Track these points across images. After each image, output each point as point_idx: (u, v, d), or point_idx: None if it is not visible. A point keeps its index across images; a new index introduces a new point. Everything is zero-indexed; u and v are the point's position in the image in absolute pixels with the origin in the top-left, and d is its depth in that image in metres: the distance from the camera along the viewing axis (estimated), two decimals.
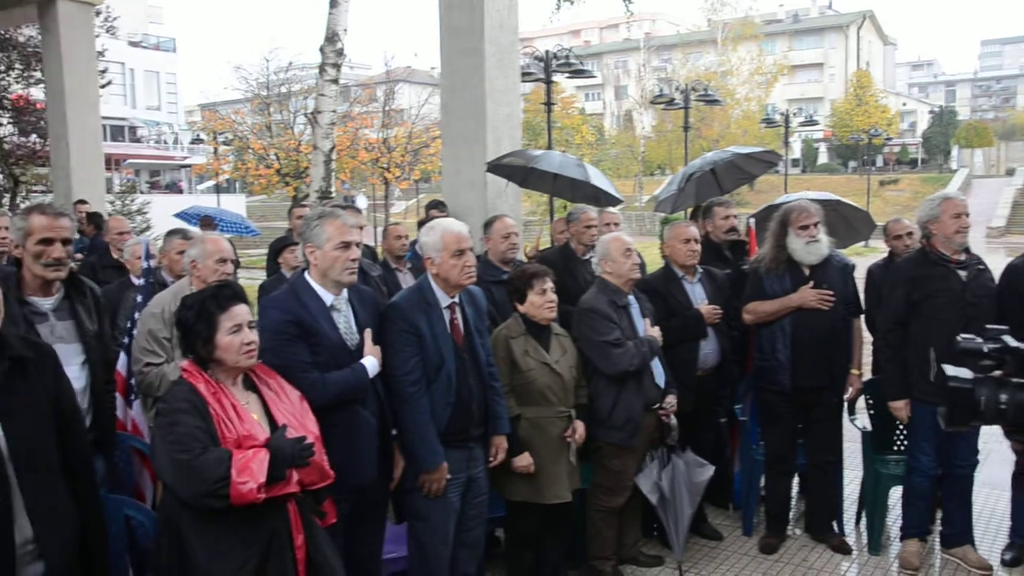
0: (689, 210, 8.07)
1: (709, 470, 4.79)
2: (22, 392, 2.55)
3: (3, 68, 18.53)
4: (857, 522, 5.62)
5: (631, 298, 4.74)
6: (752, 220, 6.12)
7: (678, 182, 6.82)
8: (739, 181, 7.46)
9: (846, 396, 5.25)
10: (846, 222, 6.38)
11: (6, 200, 18.68)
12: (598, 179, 6.44)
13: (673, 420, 4.76)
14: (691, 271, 5.23)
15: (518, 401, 4.26)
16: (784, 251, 5.05)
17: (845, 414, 5.32)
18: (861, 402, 5.51)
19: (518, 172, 6.61)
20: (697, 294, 5.21)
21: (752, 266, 5.32)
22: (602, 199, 6.58)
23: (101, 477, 3.61)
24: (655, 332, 4.71)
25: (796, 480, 5.71)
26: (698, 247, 5.18)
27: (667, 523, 4.74)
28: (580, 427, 4.43)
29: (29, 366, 2.59)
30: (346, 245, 3.44)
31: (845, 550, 5.15)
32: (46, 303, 3.53)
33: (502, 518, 4.58)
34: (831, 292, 4.96)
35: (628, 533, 4.97)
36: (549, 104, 13.21)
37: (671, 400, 4.77)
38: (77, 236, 4.90)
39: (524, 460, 4.19)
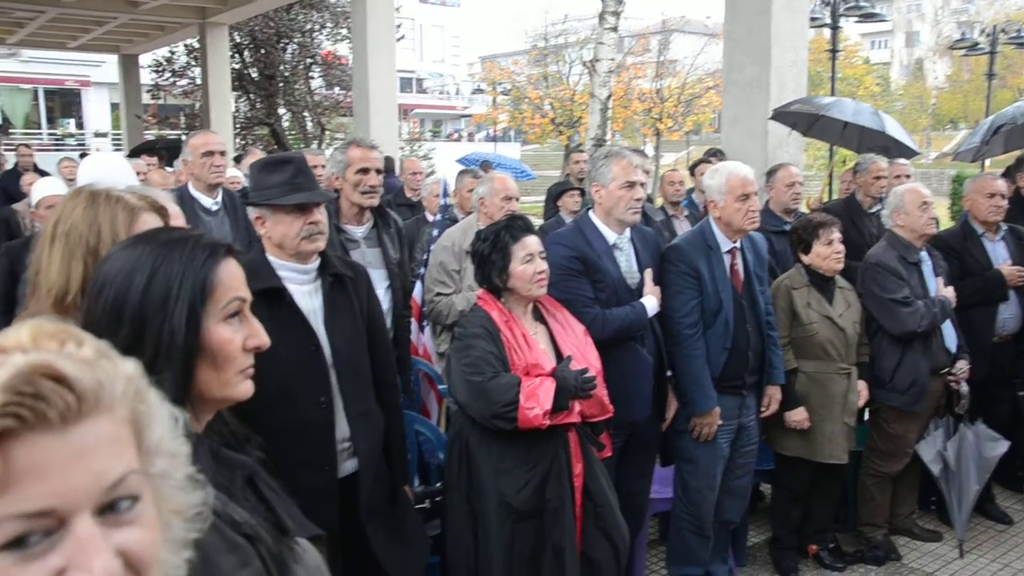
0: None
1: (1002, 445, 4.44)
2: (341, 307, 2.83)
3: (317, 27, 20.37)
4: None
5: (923, 254, 4.44)
6: None
7: (982, 133, 6.22)
8: None
9: None
10: None
11: (314, 145, 20.64)
12: (894, 128, 6.03)
13: (964, 387, 4.46)
14: (993, 228, 4.82)
15: (796, 354, 4.16)
16: None
17: None
18: None
19: (804, 120, 6.33)
20: (999, 253, 4.80)
21: None
22: (892, 150, 6.15)
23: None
24: (948, 292, 4.39)
25: None
26: (1004, 203, 4.76)
27: (949, 497, 4.46)
28: (864, 388, 4.26)
29: (347, 283, 2.87)
30: (631, 185, 3.49)
31: None
32: (359, 231, 3.89)
33: (770, 472, 4.52)
34: None
35: (903, 503, 4.72)
36: (834, 51, 12.47)
37: (962, 366, 4.46)
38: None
39: (799, 415, 4.09)
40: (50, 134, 32.80)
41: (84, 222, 1.70)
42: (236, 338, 1.34)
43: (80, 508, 0.71)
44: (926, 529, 4.78)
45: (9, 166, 11.19)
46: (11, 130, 28.48)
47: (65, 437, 0.71)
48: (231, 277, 1.35)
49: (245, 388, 1.37)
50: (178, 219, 2.07)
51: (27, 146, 11.25)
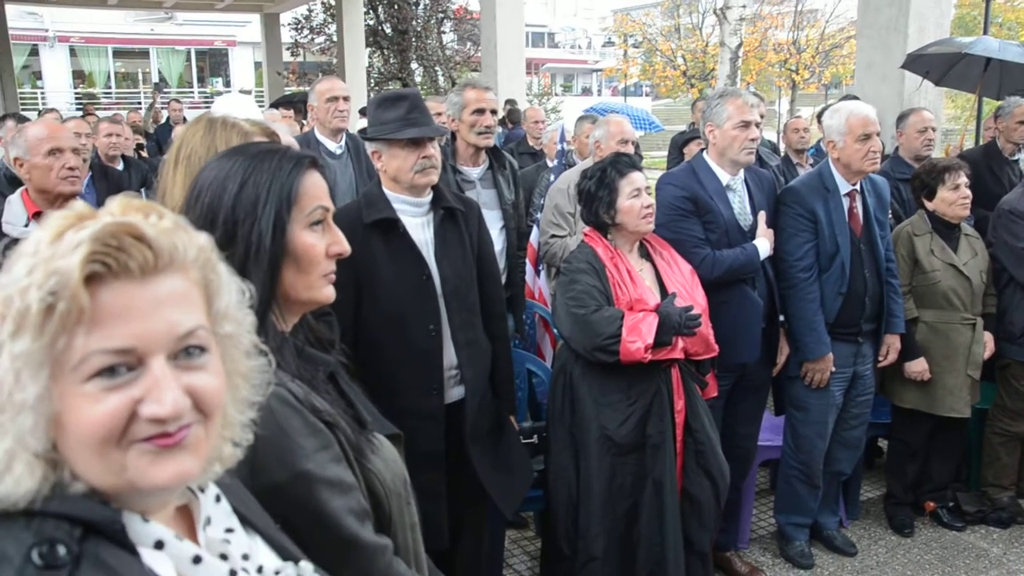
0: None
1: None
2: (452, 239, 2.93)
3: None
4: None
5: None
6: None
7: None
8: None
9: None
10: None
11: None
12: None
13: None
14: None
15: (917, 303, 4.02)
16: None
17: None
18: None
19: (940, 65, 5.98)
20: None
21: None
22: None
23: (511, 331, 4.04)
24: None
25: None
26: None
27: None
28: (990, 340, 4.08)
29: (459, 217, 2.97)
30: (746, 124, 3.43)
31: None
32: (474, 172, 3.98)
33: (888, 426, 4.40)
34: None
35: None
36: None
37: None
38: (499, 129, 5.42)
39: (919, 365, 3.96)
40: (200, 92, 34.53)
41: (203, 146, 1.85)
42: (319, 244, 1.45)
43: (156, 351, 0.84)
44: None
45: (163, 121, 11.95)
46: (166, 89, 30.10)
47: (144, 287, 0.83)
48: (315, 187, 1.46)
49: (328, 292, 1.48)
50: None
51: (177, 101, 11.92)
